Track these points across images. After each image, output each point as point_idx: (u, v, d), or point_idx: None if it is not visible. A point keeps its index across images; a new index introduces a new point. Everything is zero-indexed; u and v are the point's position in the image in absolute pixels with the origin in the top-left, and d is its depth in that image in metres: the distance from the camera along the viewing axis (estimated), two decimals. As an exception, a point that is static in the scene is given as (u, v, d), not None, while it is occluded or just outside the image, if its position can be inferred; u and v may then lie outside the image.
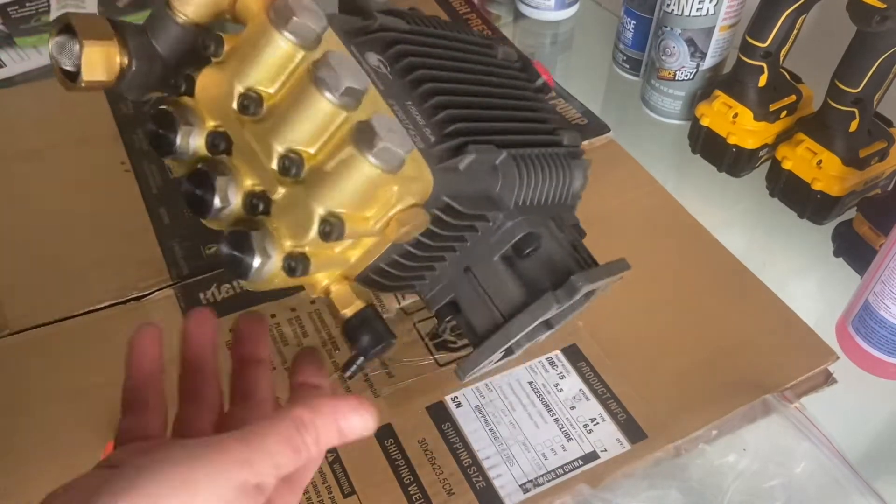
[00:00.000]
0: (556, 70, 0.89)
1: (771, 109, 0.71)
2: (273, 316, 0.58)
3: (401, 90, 0.43)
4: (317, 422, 0.31)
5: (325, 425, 0.31)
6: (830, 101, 0.65)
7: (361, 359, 0.42)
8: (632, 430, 0.52)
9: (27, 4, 0.89)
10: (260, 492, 0.29)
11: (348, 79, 0.35)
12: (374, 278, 0.43)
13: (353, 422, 0.32)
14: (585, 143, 0.73)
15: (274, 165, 0.37)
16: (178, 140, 0.38)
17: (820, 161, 0.66)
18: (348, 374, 0.42)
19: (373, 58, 0.43)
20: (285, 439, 0.30)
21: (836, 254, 0.67)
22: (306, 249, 0.38)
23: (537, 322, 0.43)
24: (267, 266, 0.37)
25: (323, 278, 0.41)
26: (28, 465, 0.49)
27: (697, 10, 0.73)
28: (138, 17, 0.91)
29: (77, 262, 0.61)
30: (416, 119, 0.42)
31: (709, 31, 0.74)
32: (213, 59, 0.38)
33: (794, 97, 0.72)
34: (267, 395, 0.39)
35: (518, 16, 0.97)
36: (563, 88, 0.81)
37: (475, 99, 0.47)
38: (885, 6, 0.58)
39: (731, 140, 0.71)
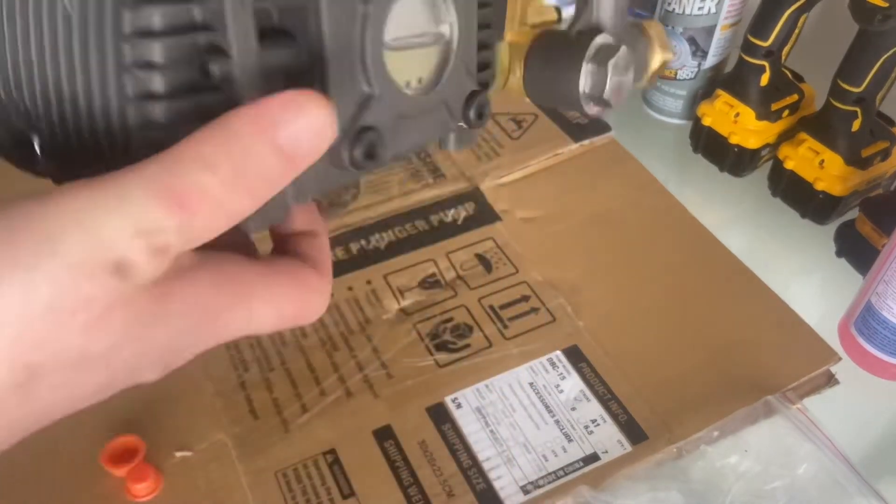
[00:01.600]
0: (557, 69, 0.89)
1: (773, 109, 0.70)
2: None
3: None
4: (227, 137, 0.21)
5: (249, 136, 0.22)
6: (832, 101, 0.65)
7: None
8: (633, 432, 0.51)
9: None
10: (127, 274, 0.21)
11: None
12: None
13: (296, 125, 0.22)
14: (586, 142, 0.73)
15: None
16: None
17: (822, 161, 0.66)
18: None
19: None
20: (154, 197, 0.20)
21: (839, 254, 0.66)
22: None
23: None
24: None
25: None
26: (25, 466, 0.48)
27: (699, 9, 0.72)
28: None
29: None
30: None
31: (710, 30, 0.74)
32: None
33: (796, 96, 0.71)
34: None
35: (518, 15, 0.96)
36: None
37: None
38: (887, 5, 0.57)
39: (733, 140, 0.71)
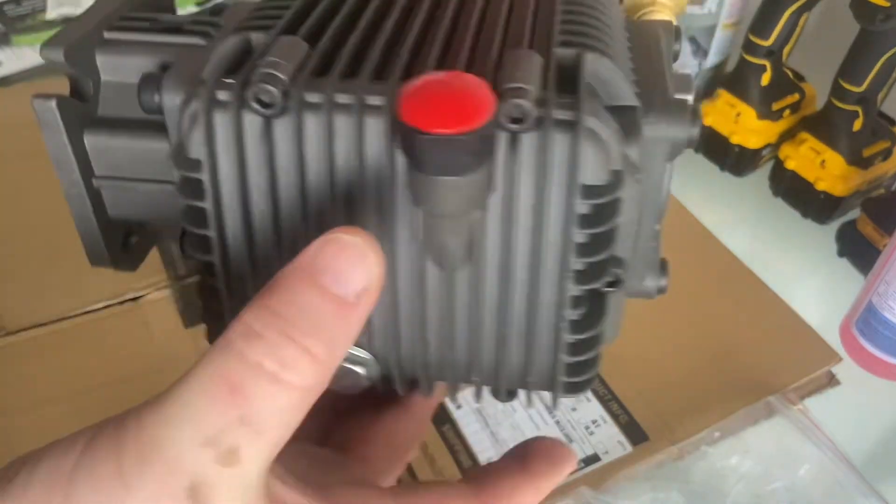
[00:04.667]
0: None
1: (774, 108, 0.70)
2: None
3: None
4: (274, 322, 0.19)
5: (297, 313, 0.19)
6: (834, 100, 0.64)
7: None
8: (633, 432, 0.51)
9: (24, 3, 0.89)
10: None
11: None
12: None
13: (352, 275, 0.19)
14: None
15: None
16: None
17: (823, 160, 0.66)
18: None
19: None
20: (210, 395, 0.18)
21: (840, 254, 0.66)
22: None
23: None
24: None
25: None
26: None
27: (700, 8, 0.72)
28: (137, 16, 0.91)
29: (74, 262, 0.60)
30: None
31: (711, 30, 0.74)
32: None
33: (797, 96, 0.71)
34: None
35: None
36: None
37: None
38: (888, 5, 0.57)
39: (734, 139, 0.71)
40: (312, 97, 0.21)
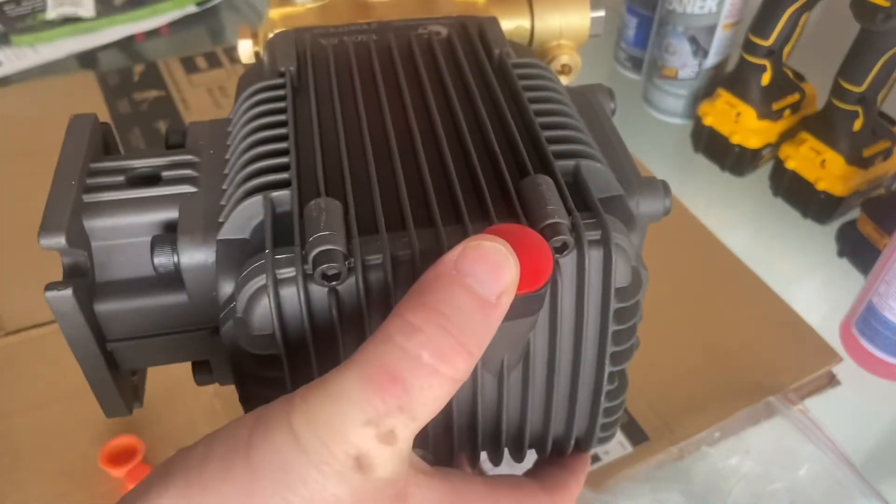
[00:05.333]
0: (557, 68, 0.89)
1: (774, 108, 0.70)
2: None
3: None
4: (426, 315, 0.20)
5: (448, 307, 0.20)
6: (834, 100, 0.64)
7: None
8: (634, 432, 0.51)
9: (23, 3, 0.89)
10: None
11: None
12: None
13: (493, 277, 0.21)
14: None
15: None
16: None
17: (823, 160, 0.66)
18: None
19: None
20: (373, 383, 0.20)
21: (840, 254, 0.66)
22: None
23: None
24: None
25: None
26: (25, 466, 0.48)
27: (700, 8, 0.72)
28: (134, 16, 0.91)
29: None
30: None
31: (711, 30, 0.74)
32: None
33: (797, 96, 0.71)
34: None
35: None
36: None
37: None
38: (889, 4, 0.57)
39: (734, 139, 0.71)
40: (372, 259, 0.23)
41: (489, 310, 0.21)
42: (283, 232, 0.24)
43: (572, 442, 0.28)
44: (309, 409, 0.20)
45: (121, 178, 0.27)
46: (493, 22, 0.33)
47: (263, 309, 0.22)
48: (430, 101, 0.29)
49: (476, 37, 0.32)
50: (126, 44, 0.89)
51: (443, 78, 0.30)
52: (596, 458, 0.50)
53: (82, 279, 0.26)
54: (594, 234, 0.24)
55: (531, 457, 0.29)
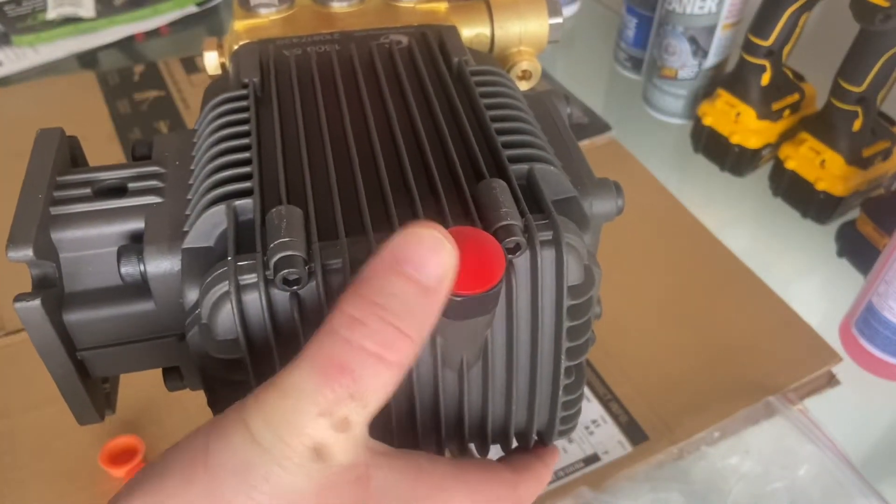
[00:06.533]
0: (558, 68, 0.89)
1: (774, 108, 0.70)
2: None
3: None
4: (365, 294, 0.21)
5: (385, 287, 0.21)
6: (833, 100, 0.64)
7: None
8: (633, 432, 0.51)
9: (24, 3, 0.89)
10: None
11: None
12: None
13: (431, 263, 0.21)
14: (587, 141, 0.73)
15: None
16: None
17: (823, 160, 0.66)
18: None
19: None
20: (323, 375, 0.21)
21: (840, 254, 0.66)
22: None
23: None
24: None
25: None
26: (25, 466, 0.48)
27: (700, 8, 0.72)
28: (134, 16, 0.91)
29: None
30: None
31: (711, 30, 0.74)
32: None
33: (797, 96, 0.71)
34: None
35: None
36: (565, 87, 0.80)
37: None
38: (888, 5, 0.57)
39: (734, 139, 0.71)
40: (332, 263, 0.23)
41: (429, 295, 0.21)
42: (246, 239, 0.24)
43: (534, 435, 0.29)
44: (263, 408, 0.21)
45: (87, 191, 0.27)
46: (453, 31, 0.34)
47: (227, 315, 0.23)
48: (389, 108, 0.30)
49: (436, 46, 0.33)
50: (126, 44, 0.89)
51: (403, 86, 0.31)
52: (596, 458, 0.50)
53: (51, 290, 0.26)
54: (546, 235, 0.24)
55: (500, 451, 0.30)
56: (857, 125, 0.64)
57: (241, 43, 0.34)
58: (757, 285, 0.61)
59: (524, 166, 0.27)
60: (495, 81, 0.31)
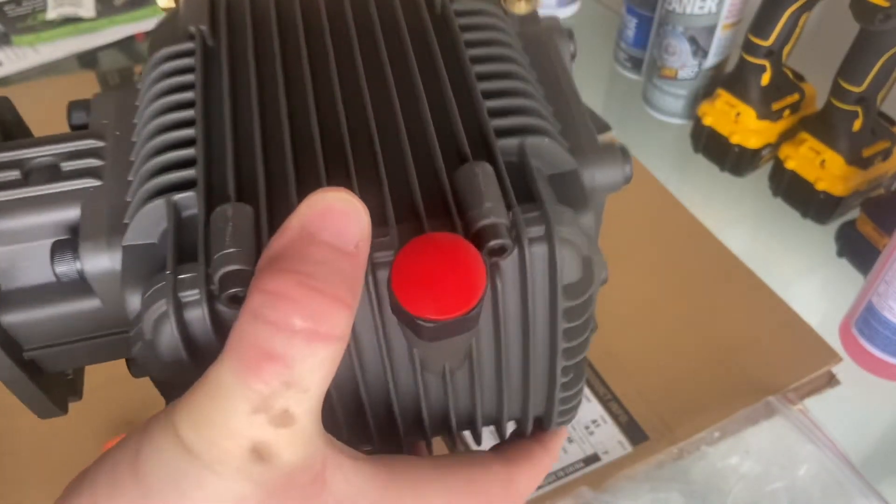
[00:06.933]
0: (557, 69, 0.89)
1: (774, 108, 0.70)
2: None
3: None
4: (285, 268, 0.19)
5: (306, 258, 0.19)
6: (833, 100, 0.64)
7: None
8: (633, 432, 0.51)
9: (24, 3, 0.89)
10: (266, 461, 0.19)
11: None
12: None
13: (347, 228, 0.20)
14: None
15: None
16: None
17: (823, 160, 0.66)
18: None
19: None
20: (249, 367, 0.19)
21: (840, 254, 0.66)
22: None
23: None
24: None
25: None
26: (25, 466, 0.48)
27: (699, 8, 0.72)
28: (135, 16, 0.91)
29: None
30: None
31: (711, 30, 0.74)
32: None
33: (797, 96, 0.71)
34: None
35: (519, 14, 0.96)
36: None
37: None
38: (888, 5, 0.57)
39: (734, 139, 0.71)
40: None
41: (352, 259, 0.19)
42: (189, 243, 0.21)
43: (530, 425, 0.27)
44: (192, 412, 0.19)
45: (16, 173, 0.24)
46: None
47: (170, 337, 0.20)
48: (359, 69, 0.25)
49: None
50: (126, 44, 0.89)
51: (376, 38, 0.26)
52: (596, 458, 0.50)
53: None
54: (537, 230, 0.21)
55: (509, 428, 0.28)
56: (857, 125, 0.64)
57: None
58: (757, 285, 0.61)
59: (514, 141, 0.23)
60: (486, 24, 0.26)
